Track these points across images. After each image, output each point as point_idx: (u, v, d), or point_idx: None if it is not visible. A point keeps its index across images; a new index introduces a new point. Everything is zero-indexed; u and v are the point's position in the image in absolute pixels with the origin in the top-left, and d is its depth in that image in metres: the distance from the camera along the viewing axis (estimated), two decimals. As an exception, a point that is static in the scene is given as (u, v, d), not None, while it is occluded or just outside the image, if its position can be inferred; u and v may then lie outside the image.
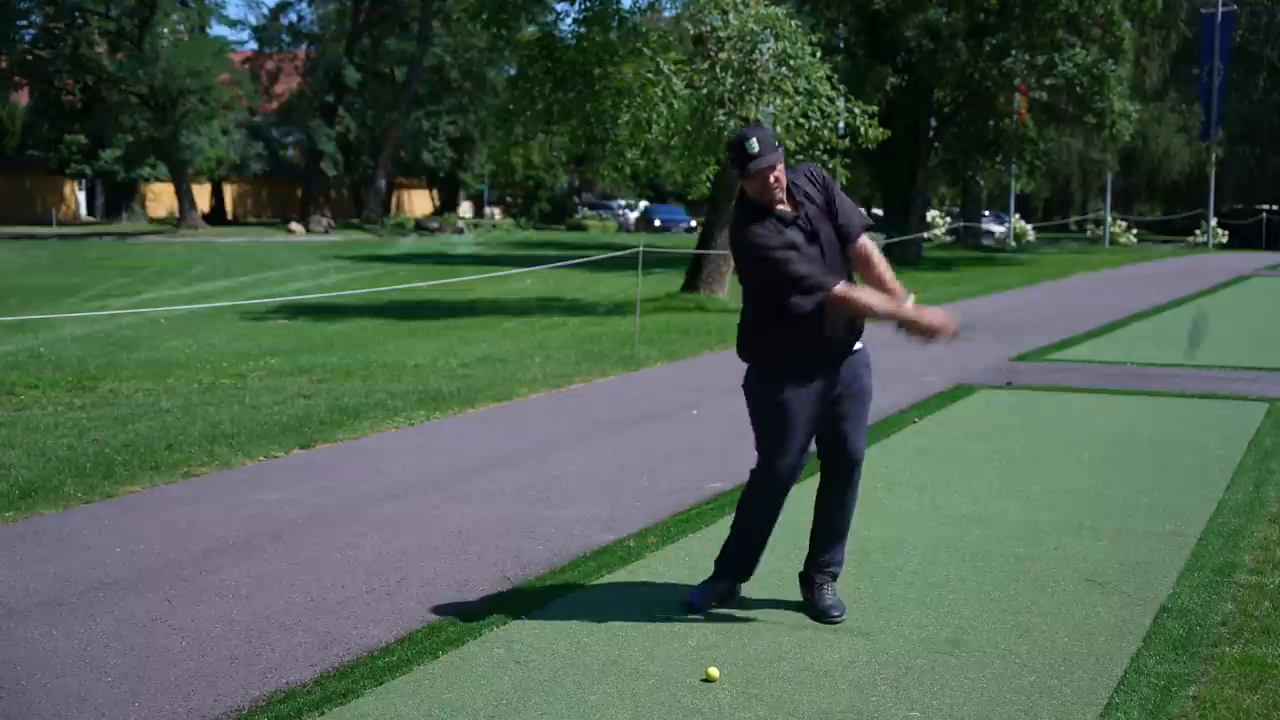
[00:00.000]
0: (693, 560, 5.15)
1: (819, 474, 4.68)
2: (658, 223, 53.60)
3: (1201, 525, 5.72)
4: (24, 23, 48.84)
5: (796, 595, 4.67)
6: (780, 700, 3.79)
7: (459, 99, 60.45)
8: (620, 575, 5.07)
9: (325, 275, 25.41)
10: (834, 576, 4.66)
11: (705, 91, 16.75)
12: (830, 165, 17.81)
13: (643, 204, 60.79)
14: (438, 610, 4.64)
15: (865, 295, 4.39)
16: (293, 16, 60.97)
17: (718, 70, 16.82)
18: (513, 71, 27.72)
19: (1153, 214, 56.81)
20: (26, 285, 22.08)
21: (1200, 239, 44.33)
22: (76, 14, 47.83)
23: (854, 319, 4.41)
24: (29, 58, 48.32)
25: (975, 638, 4.31)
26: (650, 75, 17.61)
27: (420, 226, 54.55)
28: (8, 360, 12.06)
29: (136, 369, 11.43)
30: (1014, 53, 30.29)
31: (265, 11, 71.32)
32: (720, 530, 5.11)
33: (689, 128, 16.80)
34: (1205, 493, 6.36)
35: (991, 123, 33.36)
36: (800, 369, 4.42)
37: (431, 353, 12.83)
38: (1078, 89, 29.73)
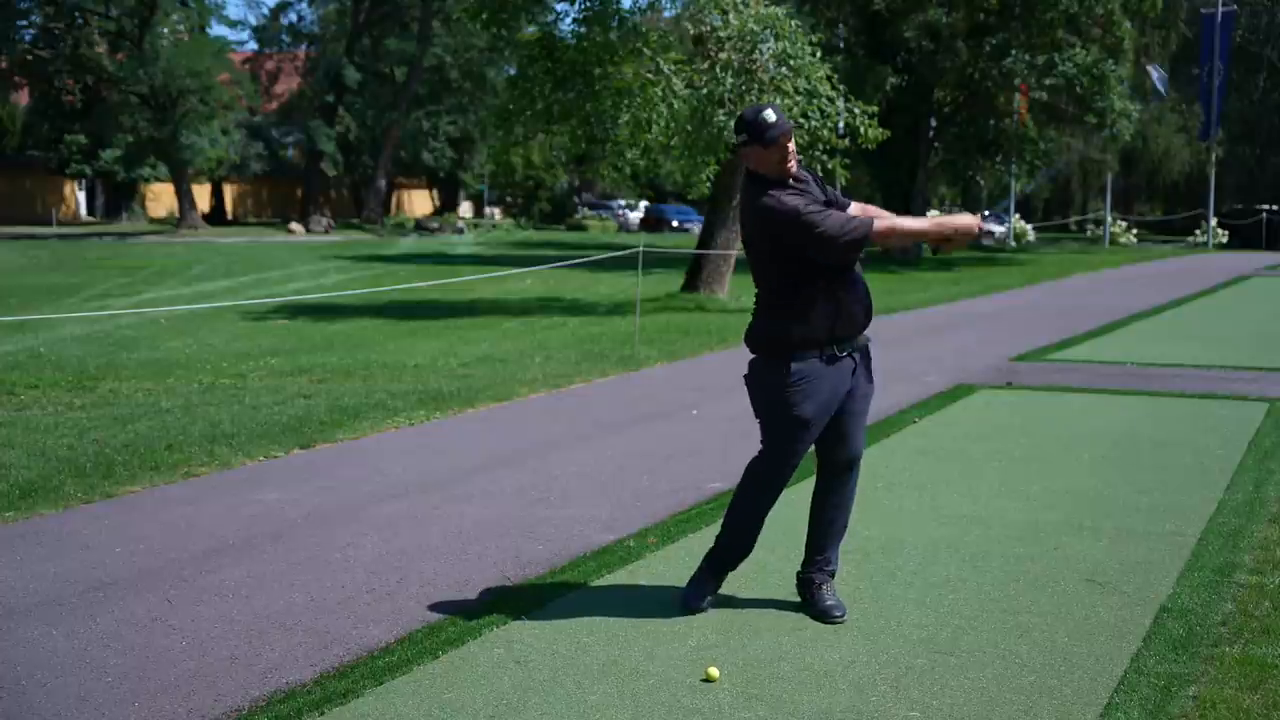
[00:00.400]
0: (693, 560, 5.14)
1: (816, 473, 4.68)
2: (676, 223, 53.38)
3: (1201, 525, 5.72)
4: (24, 23, 48.87)
5: (796, 595, 4.67)
6: (780, 700, 3.79)
7: (459, 99, 60.47)
8: (620, 575, 5.07)
9: (325, 275, 25.41)
10: (832, 575, 4.65)
11: (705, 91, 16.75)
12: (830, 165, 17.82)
13: (643, 204, 60.73)
14: (438, 610, 4.64)
15: (905, 221, 4.44)
16: (293, 16, 61.07)
17: (718, 70, 16.82)
18: (513, 71, 27.71)
19: (1153, 214, 56.82)
20: (26, 285, 22.09)
21: (1200, 239, 44.35)
22: (76, 14, 47.84)
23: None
24: (29, 58, 48.34)
25: (975, 638, 4.31)
26: (650, 75, 17.62)
27: (420, 226, 54.56)
28: (8, 360, 12.06)
29: (136, 369, 11.44)
30: (1014, 53, 30.30)
31: (265, 11, 71.52)
32: (720, 530, 5.10)
33: (689, 128, 16.80)
34: (1205, 493, 6.36)
35: (991, 123, 33.37)
36: (819, 361, 4.36)
37: (431, 353, 12.83)
38: (1078, 89, 29.75)
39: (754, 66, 16.84)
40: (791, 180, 4.38)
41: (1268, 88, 55.50)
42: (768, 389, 4.44)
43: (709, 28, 17.45)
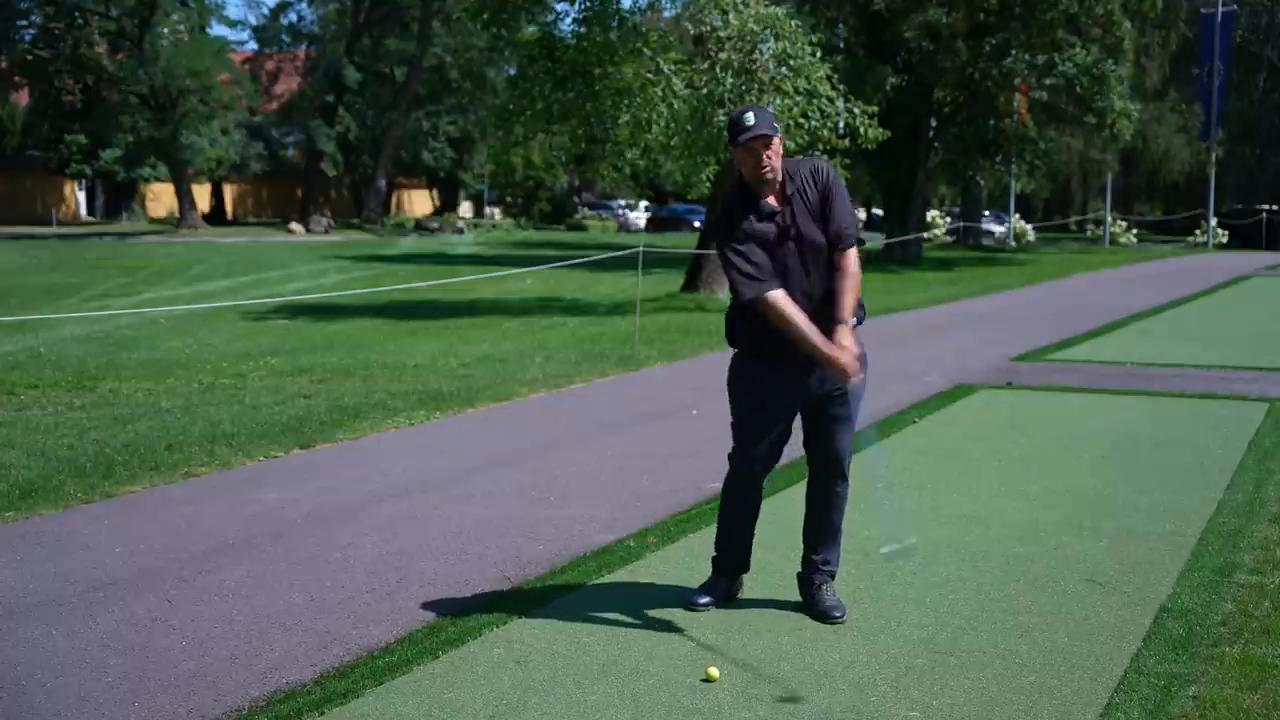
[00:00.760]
0: (693, 560, 5.15)
1: (808, 472, 4.68)
2: (697, 224, 53.12)
3: (1201, 525, 5.72)
4: (24, 23, 48.87)
5: (796, 595, 4.67)
6: (780, 700, 3.79)
7: (459, 99, 60.47)
8: (620, 575, 5.07)
9: (325, 275, 25.41)
10: (831, 576, 4.65)
11: (705, 91, 16.76)
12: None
13: (643, 204, 60.69)
14: (438, 610, 4.64)
15: (794, 314, 4.26)
16: (293, 16, 61.06)
17: (718, 70, 16.82)
18: (513, 71, 27.72)
19: (1153, 214, 56.85)
20: (26, 285, 22.08)
21: (1200, 239, 44.36)
22: (76, 14, 47.83)
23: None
24: (29, 58, 48.34)
25: (975, 638, 4.31)
26: (650, 75, 17.62)
27: (420, 226, 54.56)
28: (8, 360, 12.06)
29: (136, 369, 11.43)
30: (1014, 53, 30.29)
31: (265, 11, 71.48)
32: (720, 530, 5.10)
33: (689, 128, 16.80)
34: (1205, 493, 6.36)
35: (991, 123, 33.37)
36: (778, 362, 4.41)
37: (431, 353, 12.83)
38: (1078, 89, 29.75)
39: (754, 66, 16.84)
40: (769, 183, 4.33)
41: (1268, 88, 55.50)
42: (731, 382, 4.62)
43: (709, 28, 17.45)
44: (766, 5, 17.74)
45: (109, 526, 5.88)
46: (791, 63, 16.94)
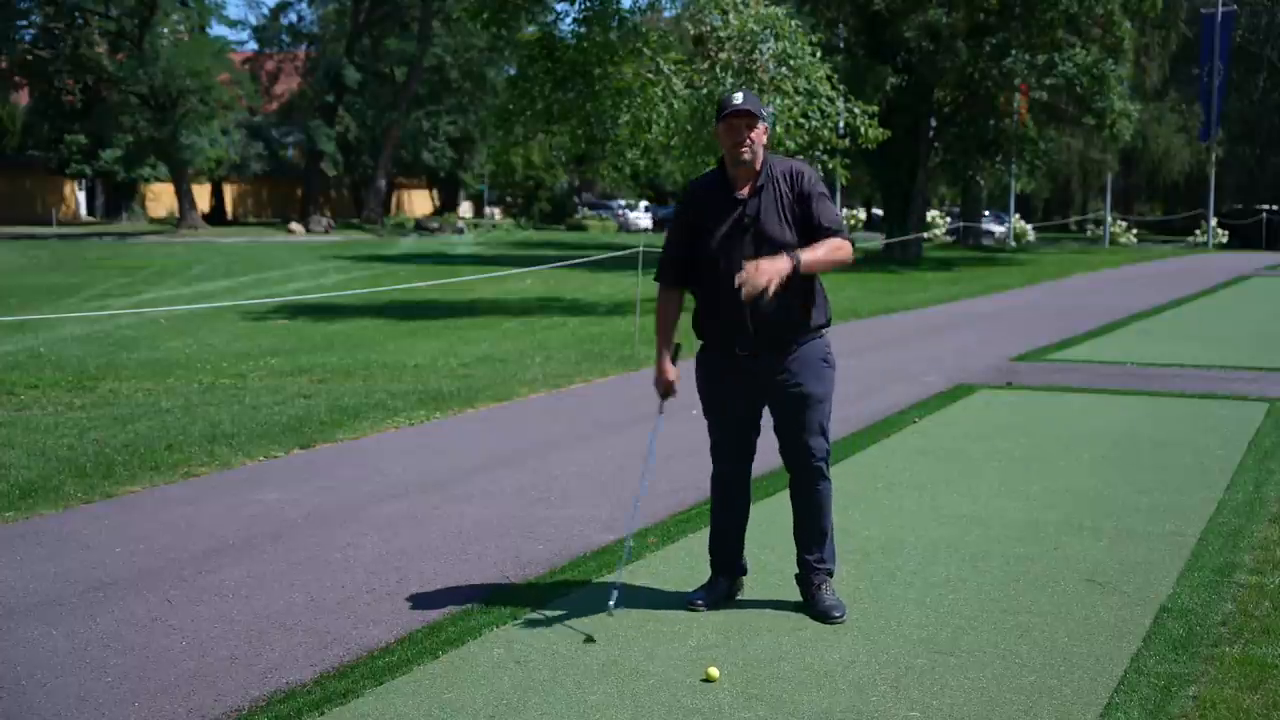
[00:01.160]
0: (693, 560, 5.15)
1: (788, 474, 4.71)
2: None
3: (1201, 525, 5.72)
4: (24, 23, 48.86)
5: (796, 595, 4.67)
6: (780, 700, 3.79)
7: (459, 99, 60.47)
8: (620, 575, 5.06)
9: (325, 275, 25.41)
10: (829, 574, 4.64)
11: (705, 91, 16.76)
12: (830, 165, 17.81)
13: (643, 204, 60.66)
14: (438, 610, 4.64)
15: (661, 319, 4.54)
16: (293, 16, 61.07)
17: (718, 70, 16.83)
18: (513, 71, 27.72)
19: (1153, 214, 56.84)
20: (26, 285, 22.08)
21: (1200, 239, 44.35)
22: (76, 14, 47.83)
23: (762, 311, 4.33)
24: (29, 58, 48.33)
25: (975, 638, 4.31)
26: (650, 75, 17.62)
27: (420, 226, 54.57)
28: (8, 360, 12.06)
29: (136, 369, 11.43)
30: (1014, 53, 30.30)
31: (265, 11, 71.47)
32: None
33: (689, 128, 16.81)
34: (1205, 493, 6.36)
35: (991, 123, 33.37)
36: (721, 354, 4.50)
37: (431, 353, 12.83)
38: (1078, 89, 29.75)
39: (754, 66, 16.84)
40: (746, 164, 4.39)
41: (1268, 88, 55.50)
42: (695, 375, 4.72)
43: (709, 28, 17.46)
44: (766, 5, 17.74)
45: (109, 526, 5.88)
46: (791, 63, 16.95)
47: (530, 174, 60.76)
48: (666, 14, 22.77)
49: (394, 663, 4.10)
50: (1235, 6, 43.17)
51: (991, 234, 47.58)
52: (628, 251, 17.17)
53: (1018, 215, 47.53)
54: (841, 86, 18.06)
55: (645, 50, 17.55)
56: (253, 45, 61.92)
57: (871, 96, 23.56)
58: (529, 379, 10.72)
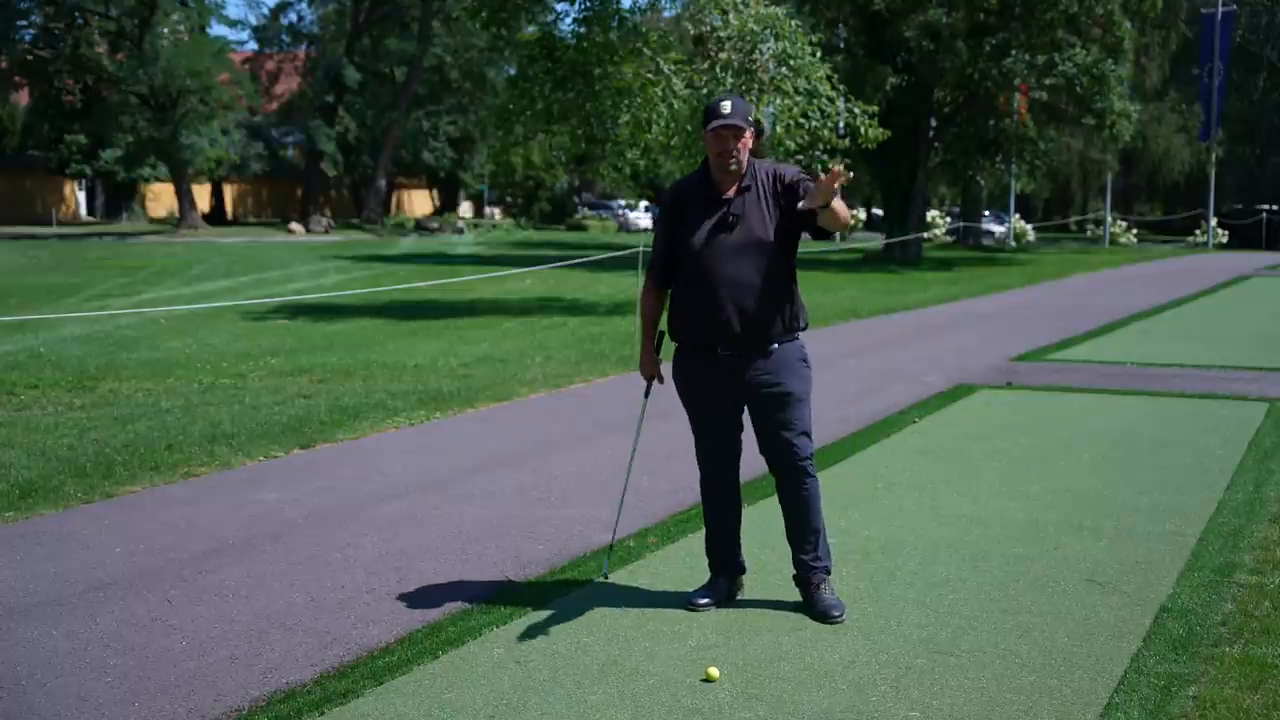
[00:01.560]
0: (693, 560, 5.14)
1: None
2: None
3: (1201, 525, 5.72)
4: (24, 23, 48.87)
5: (796, 595, 4.67)
6: (780, 700, 3.79)
7: (459, 99, 60.48)
8: (620, 575, 5.07)
9: (325, 275, 25.41)
10: (827, 571, 4.63)
11: (705, 91, 16.76)
12: (830, 165, 17.77)
13: (643, 204, 60.65)
14: (438, 610, 4.64)
15: (644, 317, 4.77)
16: (293, 16, 61.09)
17: (718, 70, 16.82)
18: (513, 71, 27.72)
19: (1153, 214, 56.84)
20: (26, 285, 22.08)
21: (1200, 239, 44.35)
22: (76, 14, 47.84)
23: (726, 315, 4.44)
24: (29, 58, 48.34)
25: (975, 638, 4.31)
26: (650, 75, 17.62)
27: (420, 226, 54.57)
28: (8, 360, 12.06)
29: (136, 369, 11.43)
30: (1014, 53, 30.29)
31: (265, 11, 71.51)
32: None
33: (689, 128, 16.80)
34: (1205, 493, 6.36)
35: (991, 123, 33.37)
36: (701, 355, 4.57)
37: (431, 353, 12.83)
38: (1078, 89, 29.75)
39: (754, 66, 16.84)
40: (731, 173, 4.43)
41: (1268, 88, 55.50)
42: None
43: (709, 28, 17.45)
44: (766, 5, 17.74)
45: (109, 526, 5.88)
46: (791, 63, 16.95)
47: (530, 174, 60.76)
48: (666, 14, 22.81)
49: (394, 663, 4.10)
50: (1235, 6, 43.17)
51: (991, 234, 47.57)
52: (628, 251, 17.17)
53: (1018, 215, 47.52)
54: (841, 86, 18.06)
55: (645, 50, 17.54)
56: (253, 45, 62.02)
57: (871, 96, 23.56)
58: (529, 379, 10.72)
